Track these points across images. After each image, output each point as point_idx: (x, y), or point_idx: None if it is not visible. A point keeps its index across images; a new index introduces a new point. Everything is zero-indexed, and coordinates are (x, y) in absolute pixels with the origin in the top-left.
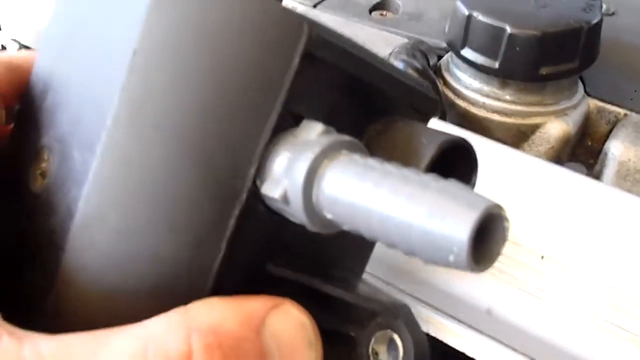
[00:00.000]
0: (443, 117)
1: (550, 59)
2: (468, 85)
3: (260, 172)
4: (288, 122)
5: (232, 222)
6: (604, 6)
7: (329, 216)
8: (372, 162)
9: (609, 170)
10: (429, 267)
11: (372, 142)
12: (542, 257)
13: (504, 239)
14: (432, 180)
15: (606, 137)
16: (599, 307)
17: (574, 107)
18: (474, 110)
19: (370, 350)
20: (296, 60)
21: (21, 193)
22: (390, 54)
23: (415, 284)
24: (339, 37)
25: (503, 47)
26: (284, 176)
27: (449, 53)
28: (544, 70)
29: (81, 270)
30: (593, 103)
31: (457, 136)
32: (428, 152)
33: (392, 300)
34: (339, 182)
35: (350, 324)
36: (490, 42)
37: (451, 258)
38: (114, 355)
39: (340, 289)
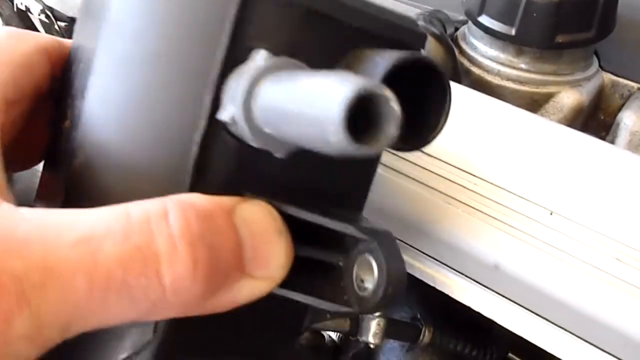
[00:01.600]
0: (457, 82)
1: (566, 27)
2: (484, 53)
3: (219, 101)
4: (246, 55)
5: (195, 148)
6: None
7: (267, 130)
8: (297, 72)
9: (621, 140)
10: (437, 222)
11: None
12: (551, 213)
13: (394, 119)
14: (325, 73)
15: (619, 111)
16: (606, 262)
17: (588, 78)
18: (488, 77)
19: (354, 277)
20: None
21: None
22: None
23: (422, 238)
24: None
25: (520, 13)
26: (232, 101)
27: (466, 24)
28: (560, 39)
29: (84, 192)
30: (607, 77)
31: (414, 53)
32: (379, 71)
33: (373, 227)
34: (265, 95)
35: (334, 253)
36: (508, 8)
37: (331, 138)
38: (98, 217)
39: (324, 217)
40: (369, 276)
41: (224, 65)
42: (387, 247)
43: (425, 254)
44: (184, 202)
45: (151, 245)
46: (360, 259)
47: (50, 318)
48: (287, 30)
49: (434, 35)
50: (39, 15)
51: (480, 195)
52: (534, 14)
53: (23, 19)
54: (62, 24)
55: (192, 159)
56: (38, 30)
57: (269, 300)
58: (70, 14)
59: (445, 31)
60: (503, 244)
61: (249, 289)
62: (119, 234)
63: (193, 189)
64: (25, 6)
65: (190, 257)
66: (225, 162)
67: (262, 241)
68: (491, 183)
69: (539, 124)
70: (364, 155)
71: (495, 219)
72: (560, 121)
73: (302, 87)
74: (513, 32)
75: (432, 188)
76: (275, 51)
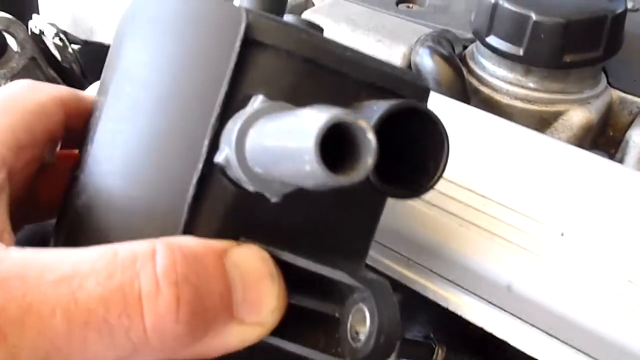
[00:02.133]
0: (467, 102)
1: (574, 47)
2: (492, 72)
3: (217, 145)
4: (243, 101)
5: (191, 191)
6: (630, 3)
7: (257, 169)
8: (287, 111)
9: (630, 158)
10: (449, 244)
11: None
12: (562, 234)
13: (371, 149)
14: (306, 110)
15: (628, 127)
16: (618, 283)
17: (597, 96)
18: (497, 97)
19: (348, 327)
20: (237, 44)
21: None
22: (417, 41)
23: (435, 260)
24: (294, 26)
25: (528, 34)
26: (227, 144)
27: (474, 43)
28: (568, 58)
29: (90, 202)
30: (615, 94)
31: (410, 102)
32: (372, 118)
33: (368, 276)
34: (254, 134)
35: (331, 303)
36: (515, 29)
37: (307, 167)
38: (84, 256)
39: (319, 264)
40: (362, 327)
41: (223, 111)
42: (381, 296)
43: (438, 275)
44: (173, 243)
45: (134, 285)
46: (355, 309)
47: (27, 354)
48: (286, 79)
49: (442, 56)
50: (53, 38)
51: (491, 216)
52: (542, 35)
53: (37, 42)
54: (76, 46)
55: (187, 200)
56: (52, 53)
57: (261, 351)
58: (83, 37)
59: (454, 51)
60: (515, 265)
61: (238, 335)
62: (103, 273)
63: (187, 231)
64: (40, 29)
65: (173, 297)
66: (220, 205)
67: (253, 285)
68: (501, 204)
69: (549, 145)
70: (343, 185)
71: (507, 240)
72: (569, 139)
73: (283, 123)
74: (521, 52)
75: (444, 210)
76: (275, 98)
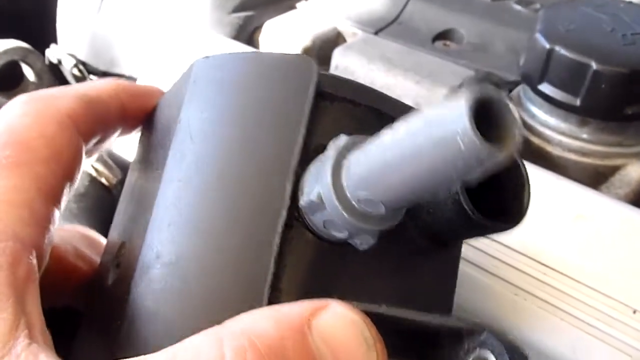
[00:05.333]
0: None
1: (637, 98)
2: (543, 121)
3: (297, 195)
4: (314, 152)
5: (276, 240)
6: None
7: (362, 193)
8: (384, 130)
9: None
10: (504, 314)
11: None
12: (634, 312)
13: (517, 123)
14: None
15: None
16: None
17: None
18: (549, 148)
19: None
20: (311, 93)
21: (101, 292)
22: (461, 84)
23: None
24: (346, 79)
25: (587, 83)
26: (316, 182)
27: (520, 86)
28: (630, 110)
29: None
30: None
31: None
32: None
33: (472, 321)
34: (357, 160)
35: (436, 356)
36: (573, 77)
37: (462, 146)
38: None
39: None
40: None
41: (301, 157)
42: (501, 338)
43: None
44: (241, 338)
45: None
46: (473, 357)
47: None
48: (351, 126)
49: None
50: (72, 68)
51: (552, 287)
52: (602, 85)
53: (55, 73)
54: (95, 77)
55: (274, 251)
56: (69, 83)
57: None
58: (102, 68)
59: None
60: (580, 343)
61: None
62: None
63: (274, 287)
64: (58, 59)
65: None
66: (305, 257)
67: (347, 358)
68: (564, 274)
69: (616, 209)
70: (496, 162)
71: (571, 315)
72: (627, 195)
73: (404, 128)
74: (578, 102)
75: (500, 278)
76: None
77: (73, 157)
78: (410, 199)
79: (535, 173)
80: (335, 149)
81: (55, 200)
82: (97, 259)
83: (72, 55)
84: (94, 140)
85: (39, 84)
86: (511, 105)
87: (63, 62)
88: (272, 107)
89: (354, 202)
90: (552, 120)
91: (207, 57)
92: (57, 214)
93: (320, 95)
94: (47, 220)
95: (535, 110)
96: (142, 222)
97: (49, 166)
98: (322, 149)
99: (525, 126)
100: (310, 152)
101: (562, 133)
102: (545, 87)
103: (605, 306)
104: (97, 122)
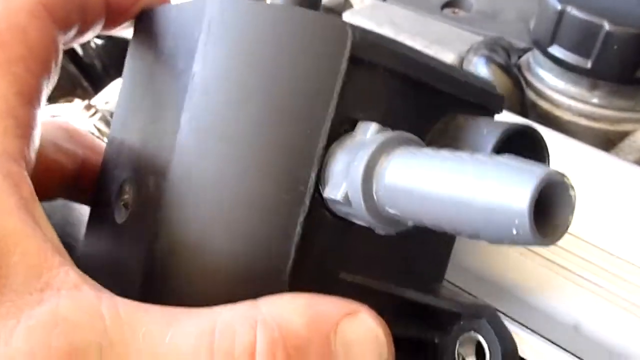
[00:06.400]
0: (525, 116)
1: None
2: (553, 85)
3: (322, 177)
4: (345, 126)
5: (298, 228)
6: None
7: (391, 211)
8: (427, 150)
9: None
10: (511, 278)
11: (434, 143)
12: None
13: (571, 208)
14: (487, 157)
15: None
16: None
17: None
18: (557, 112)
19: (456, 356)
20: (343, 65)
21: (109, 227)
22: (469, 49)
23: (496, 295)
24: (387, 39)
25: (599, 45)
26: (344, 178)
27: (530, 52)
28: None
29: (166, 280)
30: None
31: (520, 123)
32: (489, 142)
33: (473, 302)
34: (395, 174)
35: (431, 330)
36: (584, 39)
37: (514, 232)
38: (183, 334)
39: (418, 292)
40: (470, 355)
41: (328, 138)
42: (496, 324)
43: (499, 312)
44: (274, 327)
45: None
46: (464, 337)
47: None
48: (384, 98)
49: (499, 65)
50: None
51: (559, 247)
52: (614, 46)
53: None
54: (99, 41)
55: (295, 240)
56: (73, 48)
57: None
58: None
59: (510, 59)
60: (584, 303)
61: None
62: None
63: (294, 269)
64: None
65: None
66: (326, 242)
67: None
68: (571, 234)
69: (625, 170)
70: (541, 246)
71: (575, 273)
72: (637, 161)
73: (463, 179)
74: (589, 64)
75: None
76: (373, 118)
77: (49, 50)
78: (440, 230)
79: (547, 133)
80: (373, 145)
81: (36, 102)
82: (79, 151)
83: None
84: (72, 31)
85: None
86: (572, 192)
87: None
88: (297, 75)
89: (382, 212)
90: (561, 84)
91: None
92: (38, 116)
93: (357, 62)
94: (30, 126)
95: (544, 74)
96: (152, 183)
97: (26, 64)
98: (351, 123)
99: (534, 90)
100: (339, 126)
101: (572, 97)
102: (555, 50)
103: (610, 265)
104: (74, 10)
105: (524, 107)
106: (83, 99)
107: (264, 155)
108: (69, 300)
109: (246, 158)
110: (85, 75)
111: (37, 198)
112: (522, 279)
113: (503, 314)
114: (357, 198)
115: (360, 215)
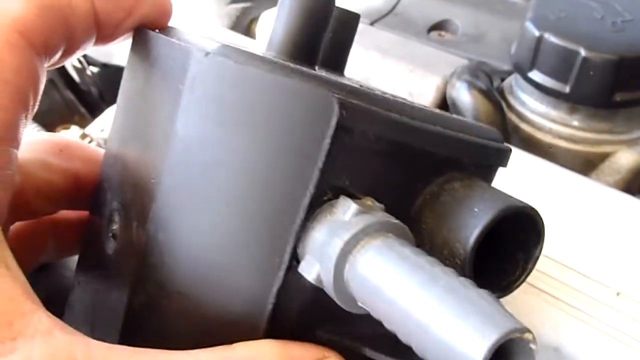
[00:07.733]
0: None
1: (626, 85)
2: (534, 109)
3: (300, 247)
4: (328, 195)
5: (271, 299)
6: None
7: (358, 302)
8: (406, 251)
9: None
10: None
11: (425, 207)
12: (618, 294)
13: (532, 358)
14: (463, 286)
15: None
16: None
17: None
18: (539, 135)
19: None
20: (327, 140)
21: (101, 253)
22: (452, 74)
23: None
24: (375, 100)
25: (576, 70)
26: (318, 259)
27: (513, 75)
28: (618, 97)
29: (145, 324)
30: None
31: (519, 203)
32: (477, 225)
33: None
34: (368, 269)
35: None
36: (562, 65)
37: None
38: None
39: (393, 358)
40: None
41: (310, 206)
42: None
43: None
44: None
45: None
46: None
47: None
48: (372, 164)
49: (481, 91)
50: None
51: (538, 271)
52: (591, 72)
53: None
54: (95, 69)
55: (268, 308)
56: (70, 75)
57: None
58: (103, 60)
59: (492, 84)
60: (564, 326)
61: None
62: None
63: (268, 327)
64: None
65: None
66: (300, 305)
67: None
68: (550, 258)
69: (603, 194)
70: None
71: (555, 297)
72: (617, 183)
73: (426, 290)
74: (567, 89)
75: None
76: (359, 185)
77: (27, 81)
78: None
79: (525, 158)
80: (349, 232)
81: (11, 139)
82: (71, 165)
83: None
84: (57, 53)
85: None
86: (533, 346)
87: None
88: (280, 143)
89: (354, 300)
90: (541, 108)
91: (207, 53)
92: (14, 154)
93: (342, 130)
94: (3, 167)
95: (525, 97)
96: (135, 230)
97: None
98: (335, 191)
99: (516, 114)
100: (321, 194)
101: (552, 120)
102: (535, 75)
103: (589, 288)
104: (58, 30)
105: (505, 131)
106: (81, 125)
107: (242, 223)
108: (43, 346)
109: (223, 224)
110: (82, 102)
111: (4, 239)
112: (504, 302)
113: None
114: (329, 283)
115: (331, 295)
